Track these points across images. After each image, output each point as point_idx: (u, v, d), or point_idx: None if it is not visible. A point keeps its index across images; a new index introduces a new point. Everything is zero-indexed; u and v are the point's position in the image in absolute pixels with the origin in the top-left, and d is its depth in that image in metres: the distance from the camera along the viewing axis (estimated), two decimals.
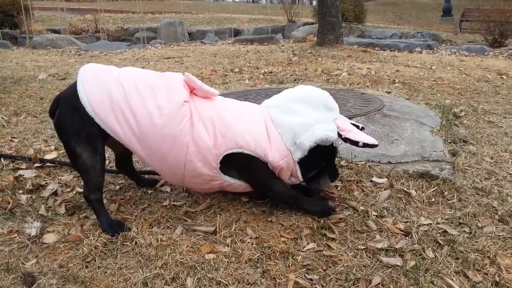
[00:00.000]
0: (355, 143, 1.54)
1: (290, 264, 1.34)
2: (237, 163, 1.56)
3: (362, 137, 1.56)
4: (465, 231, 1.53)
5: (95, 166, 1.49)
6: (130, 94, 1.46)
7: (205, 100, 1.60)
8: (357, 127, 1.66)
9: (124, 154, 1.78)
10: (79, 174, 1.67)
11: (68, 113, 1.47)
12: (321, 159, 1.63)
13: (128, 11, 16.77)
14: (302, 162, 1.57)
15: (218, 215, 1.62)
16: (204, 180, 1.57)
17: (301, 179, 1.62)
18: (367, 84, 3.86)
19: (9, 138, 2.47)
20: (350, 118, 1.72)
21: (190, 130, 1.49)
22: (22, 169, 2.02)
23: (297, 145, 1.53)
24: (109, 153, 2.10)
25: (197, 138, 1.49)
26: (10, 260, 1.35)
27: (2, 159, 2.11)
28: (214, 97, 1.64)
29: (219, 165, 1.54)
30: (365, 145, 1.53)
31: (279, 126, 1.58)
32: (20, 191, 1.80)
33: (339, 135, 1.56)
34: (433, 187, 1.83)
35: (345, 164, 2.02)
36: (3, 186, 1.83)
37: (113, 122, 1.45)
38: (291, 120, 1.57)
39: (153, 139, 1.47)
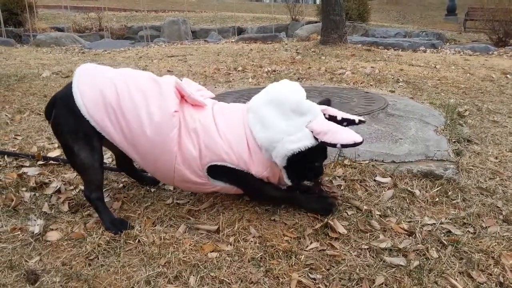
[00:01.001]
0: (332, 145, 1.43)
1: (293, 263, 1.33)
2: (224, 172, 1.55)
3: (340, 137, 1.42)
4: (469, 231, 1.52)
5: (94, 165, 1.50)
6: (123, 98, 1.47)
7: (194, 108, 1.58)
8: (352, 121, 1.54)
9: (122, 154, 1.78)
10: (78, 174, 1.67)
11: (64, 114, 1.48)
12: (310, 160, 1.55)
13: (132, 9, 16.76)
14: (289, 167, 1.51)
15: (221, 213, 1.62)
16: (195, 185, 1.59)
17: (289, 183, 1.57)
18: (371, 83, 3.85)
19: (13, 135, 2.48)
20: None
21: (178, 141, 1.49)
22: (25, 166, 2.03)
23: (273, 159, 1.49)
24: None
25: (183, 149, 1.50)
26: (13, 258, 1.35)
27: (5, 156, 2.12)
28: (204, 105, 1.60)
29: (206, 173, 1.54)
30: (344, 146, 1.42)
31: (256, 138, 1.52)
32: (24, 189, 1.81)
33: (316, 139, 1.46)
34: (437, 187, 1.82)
35: (349, 163, 2.01)
36: (7, 183, 1.83)
37: (107, 124, 1.47)
38: (262, 135, 1.50)
39: (143, 145, 1.49)
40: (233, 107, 1.68)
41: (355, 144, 1.41)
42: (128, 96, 1.48)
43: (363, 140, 1.43)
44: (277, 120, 1.49)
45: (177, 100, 1.52)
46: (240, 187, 1.62)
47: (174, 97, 1.52)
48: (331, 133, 1.44)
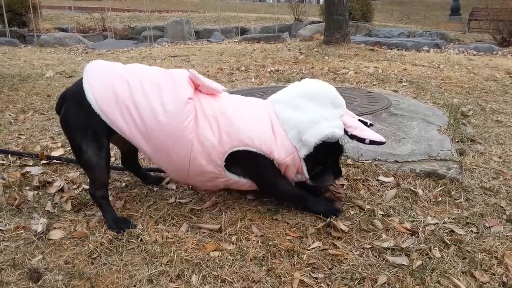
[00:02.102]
0: (361, 140, 1.52)
1: (295, 263, 1.33)
2: (242, 161, 1.55)
3: (369, 134, 1.54)
4: (472, 231, 1.51)
5: (100, 163, 1.50)
6: (135, 92, 1.47)
7: (210, 96, 1.59)
8: (365, 123, 1.64)
9: (129, 151, 1.79)
10: (84, 171, 1.68)
11: (74, 110, 1.48)
12: (327, 156, 1.61)
13: (135, 10, 16.81)
14: (308, 159, 1.55)
15: (223, 213, 1.62)
16: (209, 177, 1.57)
17: (307, 176, 1.60)
18: (374, 83, 3.84)
19: (17, 135, 2.49)
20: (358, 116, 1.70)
21: (195, 128, 1.48)
22: (29, 165, 2.04)
23: (302, 141, 1.52)
24: (115, 150, 2.11)
25: (201, 136, 1.49)
26: (16, 256, 1.36)
27: (9, 155, 2.13)
28: (219, 93, 1.63)
29: (224, 163, 1.53)
30: (372, 142, 1.52)
31: (284, 122, 1.57)
32: (27, 188, 1.81)
33: (346, 132, 1.55)
34: (440, 187, 1.81)
35: (352, 163, 2.01)
36: (10, 182, 1.84)
37: (119, 119, 1.46)
38: (296, 116, 1.56)
39: (158, 136, 1.47)
40: (252, 98, 1.73)
41: (380, 143, 1.53)
42: (141, 89, 1.48)
43: (385, 141, 1.55)
44: (314, 106, 1.57)
45: (191, 88, 1.53)
46: (254, 178, 1.61)
47: (188, 86, 1.52)
48: (360, 129, 1.56)
